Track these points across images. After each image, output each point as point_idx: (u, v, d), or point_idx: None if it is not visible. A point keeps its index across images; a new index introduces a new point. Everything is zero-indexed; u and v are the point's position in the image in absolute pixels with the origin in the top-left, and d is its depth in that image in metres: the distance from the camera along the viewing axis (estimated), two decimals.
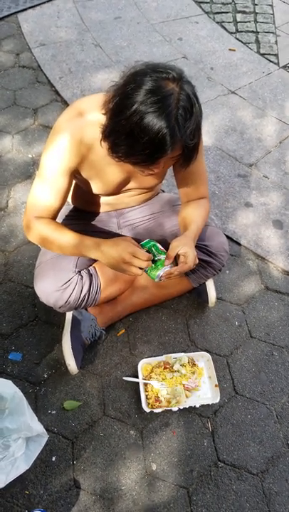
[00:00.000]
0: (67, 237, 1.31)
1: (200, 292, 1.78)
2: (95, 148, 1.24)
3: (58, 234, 1.31)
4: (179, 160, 1.19)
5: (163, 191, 1.76)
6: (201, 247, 1.55)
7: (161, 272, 1.30)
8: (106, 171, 1.31)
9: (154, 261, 1.32)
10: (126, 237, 1.30)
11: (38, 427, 1.28)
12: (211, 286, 1.75)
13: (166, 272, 1.31)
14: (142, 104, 1.01)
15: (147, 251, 1.31)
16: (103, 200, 1.51)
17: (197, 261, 1.34)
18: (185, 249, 1.30)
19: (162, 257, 1.33)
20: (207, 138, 2.49)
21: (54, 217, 1.36)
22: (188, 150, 1.13)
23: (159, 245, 1.36)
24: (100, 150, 1.22)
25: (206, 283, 1.73)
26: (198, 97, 1.09)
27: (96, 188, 1.38)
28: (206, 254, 1.57)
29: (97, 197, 1.49)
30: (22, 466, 1.28)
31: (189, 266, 1.31)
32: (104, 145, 1.18)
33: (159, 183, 1.53)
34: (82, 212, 1.59)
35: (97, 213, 1.59)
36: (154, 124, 1.01)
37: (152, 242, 1.37)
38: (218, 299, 1.86)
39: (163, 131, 1.02)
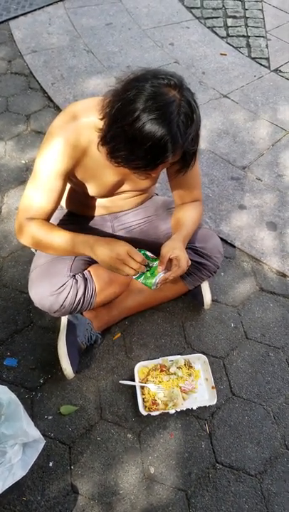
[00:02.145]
0: (60, 236, 1.30)
1: (195, 294, 1.79)
2: (90, 151, 1.25)
3: (50, 234, 1.31)
4: (176, 164, 1.20)
5: (157, 194, 1.76)
6: (195, 249, 1.56)
7: (157, 279, 1.31)
8: (101, 173, 1.32)
9: (146, 269, 1.33)
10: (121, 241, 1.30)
11: (34, 433, 1.27)
12: (206, 288, 1.75)
13: (162, 279, 1.31)
14: (144, 111, 1.02)
15: None
16: (98, 203, 1.52)
17: (190, 262, 1.35)
18: (176, 252, 1.31)
19: (155, 263, 1.34)
20: (200, 141, 2.49)
21: (47, 220, 1.36)
22: (188, 156, 1.16)
23: (148, 253, 1.37)
24: (95, 153, 1.24)
25: (201, 285, 1.74)
26: (197, 103, 1.11)
27: (91, 189, 1.39)
28: (201, 256, 1.57)
29: (91, 200, 1.50)
30: (19, 473, 1.27)
31: (183, 269, 1.32)
32: (102, 150, 1.19)
33: (153, 185, 1.54)
34: (76, 217, 1.59)
35: (92, 217, 1.59)
36: (156, 130, 1.03)
37: (142, 251, 1.37)
38: (214, 301, 1.86)
39: (165, 138, 1.03)
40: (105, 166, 1.27)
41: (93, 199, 1.49)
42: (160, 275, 1.31)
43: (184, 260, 1.31)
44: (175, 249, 1.31)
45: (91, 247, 1.27)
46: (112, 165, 1.19)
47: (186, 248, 1.42)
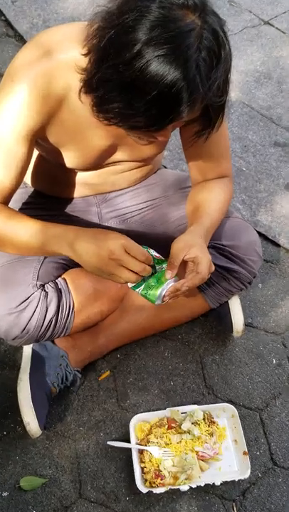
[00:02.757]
0: (24, 227, 1.30)
1: (220, 316, 1.78)
2: (68, 102, 1.24)
3: (10, 223, 1.31)
4: (194, 124, 1.20)
5: (165, 167, 1.77)
6: (221, 248, 1.56)
7: (164, 289, 1.29)
8: (83, 134, 1.31)
9: (148, 276, 1.30)
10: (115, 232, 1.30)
11: None
12: (236, 306, 1.74)
13: (171, 290, 1.29)
14: (148, 44, 1.01)
15: None
16: (78, 178, 1.51)
17: (213, 268, 1.33)
18: (194, 252, 1.29)
19: (162, 267, 1.32)
20: (229, 90, 2.50)
21: (6, 202, 1.36)
22: (213, 111, 1.14)
23: (153, 252, 1.35)
24: (76, 104, 1.23)
25: (230, 302, 1.73)
26: (227, 34, 1.09)
27: (68, 159, 1.38)
28: (229, 260, 1.57)
29: (69, 174, 1.49)
30: None
31: (202, 277, 1.30)
32: (86, 100, 1.18)
33: (159, 154, 1.53)
34: (46, 199, 1.59)
35: (69, 199, 1.59)
36: (165, 72, 1.00)
37: (144, 249, 1.33)
38: (247, 325, 1.84)
39: (178, 84, 1.01)
40: (90, 125, 1.26)
41: (72, 173, 1.49)
42: (169, 284, 1.29)
43: (204, 263, 1.29)
44: (192, 248, 1.29)
45: (70, 244, 1.26)
46: (101, 123, 1.19)
47: (209, 247, 1.41)
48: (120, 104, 1.09)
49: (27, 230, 1.30)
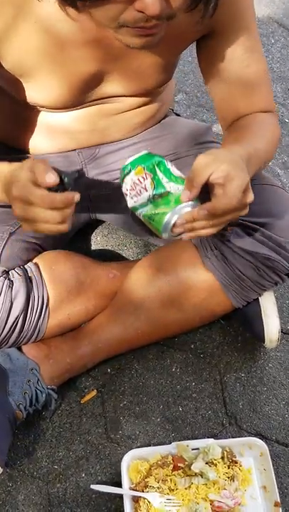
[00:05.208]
0: None
1: (248, 319, 1.64)
2: (25, 12, 1.14)
3: None
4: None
5: (178, 115, 1.65)
6: (251, 227, 1.41)
7: (176, 213, 1.18)
8: (57, 55, 1.22)
9: (158, 196, 1.21)
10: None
11: None
12: (269, 306, 1.59)
13: (186, 217, 1.18)
14: None
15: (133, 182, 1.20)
16: (54, 122, 1.42)
17: (252, 197, 1.18)
18: (225, 168, 1.14)
19: (176, 188, 1.22)
20: (265, 8, 2.43)
21: None
22: None
23: (170, 165, 1.25)
24: (40, 14, 1.14)
25: (261, 300, 1.57)
26: None
27: (38, 93, 1.30)
28: (261, 243, 1.41)
29: (39, 115, 1.41)
30: None
31: (231, 200, 1.14)
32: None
33: (164, 82, 1.43)
34: (8, 154, 1.47)
35: (42, 155, 1.51)
36: None
37: (156, 158, 1.25)
38: (285, 332, 1.76)
39: None
40: (65, 42, 1.19)
41: (44, 114, 1.40)
42: (183, 209, 1.17)
43: (237, 183, 1.13)
44: (223, 162, 1.14)
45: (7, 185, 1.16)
46: (80, 37, 1.14)
47: (233, 224, 1.34)
48: None
49: None
